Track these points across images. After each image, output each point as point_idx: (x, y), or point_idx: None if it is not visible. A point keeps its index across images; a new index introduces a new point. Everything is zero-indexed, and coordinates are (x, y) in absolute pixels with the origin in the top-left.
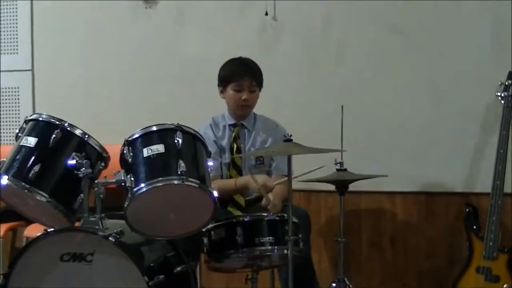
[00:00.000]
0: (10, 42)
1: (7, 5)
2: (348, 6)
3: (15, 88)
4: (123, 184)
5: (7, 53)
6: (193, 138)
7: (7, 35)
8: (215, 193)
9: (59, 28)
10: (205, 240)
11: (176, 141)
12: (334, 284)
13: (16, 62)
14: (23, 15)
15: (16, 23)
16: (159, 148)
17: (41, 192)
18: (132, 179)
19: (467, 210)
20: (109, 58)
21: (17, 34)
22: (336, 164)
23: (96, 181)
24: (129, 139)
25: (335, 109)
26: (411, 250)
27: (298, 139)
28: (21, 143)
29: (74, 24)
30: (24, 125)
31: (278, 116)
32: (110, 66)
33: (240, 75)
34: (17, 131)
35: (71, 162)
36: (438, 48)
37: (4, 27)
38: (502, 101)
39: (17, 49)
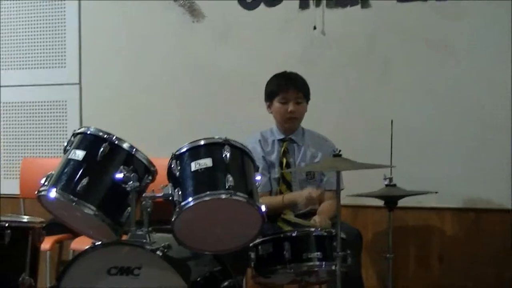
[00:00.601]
0: (58, 56)
1: (55, 19)
2: (394, 21)
3: (62, 101)
4: (170, 198)
5: (55, 67)
6: (241, 153)
7: (55, 49)
8: (263, 208)
9: (106, 42)
10: (252, 255)
11: (224, 155)
12: None
13: (64, 76)
14: (71, 29)
15: (64, 37)
16: (207, 162)
17: (89, 205)
18: (180, 193)
19: None
20: (155, 72)
21: (65, 48)
22: (385, 179)
23: (143, 195)
24: (177, 153)
25: (383, 124)
26: (459, 268)
27: (346, 153)
28: (69, 156)
29: (121, 38)
30: (72, 138)
31: (324, 130)
32: (156, 80)
33: (286, 88)
34: (65, 144)
35: (119, 175)
36: None
37: (53, 41)
38: None
39: (65, 63)
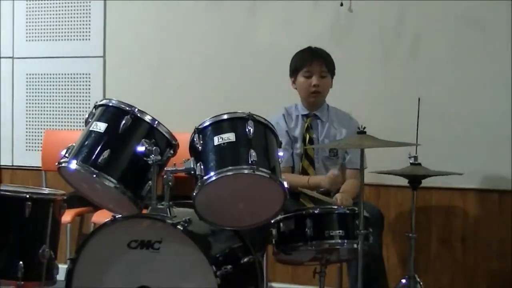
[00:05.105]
0: (83, 29)
1: None
2: None
3: (86, 74)
4: (192, 172)
5: (79, 40)
6: (264, 128)
7: (80, 21)
8: (286, 184)
9: (131, 15)
10: (274, 231)
11: (247, 130)
12: (404, 281)
13: (88, 49)
14: (96, 2)
15: (89, 10)
16: (230, 136)
17: (109, 178)
18: (202, 167)
19: None
20: (180, 46)
21: (89, 21)
22: (410, 158)
23: (165, 169)
24: (200, 127)
25: (409, 102)
26: (481, 249)
27: (372, 131)
28: (91, 128)
29: (146, 11)
30: (94, 111)
31: (351, 108)
32: (181, 55)
33: (310, 61)
34: (86, 116)
35: (141, 148)
36: None
37: (77, 14)
38: None
39: (89, 36)
